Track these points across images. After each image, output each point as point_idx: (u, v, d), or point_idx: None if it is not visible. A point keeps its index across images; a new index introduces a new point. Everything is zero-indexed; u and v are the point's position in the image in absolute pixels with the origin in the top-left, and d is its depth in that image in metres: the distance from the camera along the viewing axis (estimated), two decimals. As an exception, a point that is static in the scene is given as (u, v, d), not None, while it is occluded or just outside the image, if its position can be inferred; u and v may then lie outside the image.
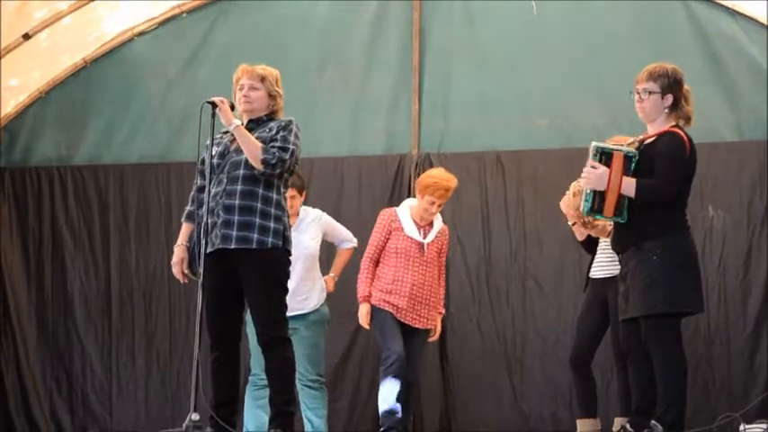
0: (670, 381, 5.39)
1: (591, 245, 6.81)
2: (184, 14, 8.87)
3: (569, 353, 6.86)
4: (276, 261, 5.54)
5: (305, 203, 7.12)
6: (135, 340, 8.68)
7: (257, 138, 5.55)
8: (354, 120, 8.61)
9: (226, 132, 5.67)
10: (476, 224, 8.28)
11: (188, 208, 5.77)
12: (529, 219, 8.20)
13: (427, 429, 7.98)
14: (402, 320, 6.92)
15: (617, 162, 5.43)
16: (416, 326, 6.98)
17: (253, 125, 5.66)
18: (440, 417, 8.11)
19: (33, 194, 8.92)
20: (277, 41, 8.58)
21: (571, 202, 6.57)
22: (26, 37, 8.67)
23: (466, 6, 8.51)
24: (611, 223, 5.78)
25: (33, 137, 9.07)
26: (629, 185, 5.42)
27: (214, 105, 5.56)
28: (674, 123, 5.56)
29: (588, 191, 5.51)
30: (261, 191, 5.52)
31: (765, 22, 7.90)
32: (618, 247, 5.68)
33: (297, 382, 6.46)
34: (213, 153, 5.59)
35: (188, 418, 5.24)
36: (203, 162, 5.64)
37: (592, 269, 6.78)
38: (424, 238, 7.01)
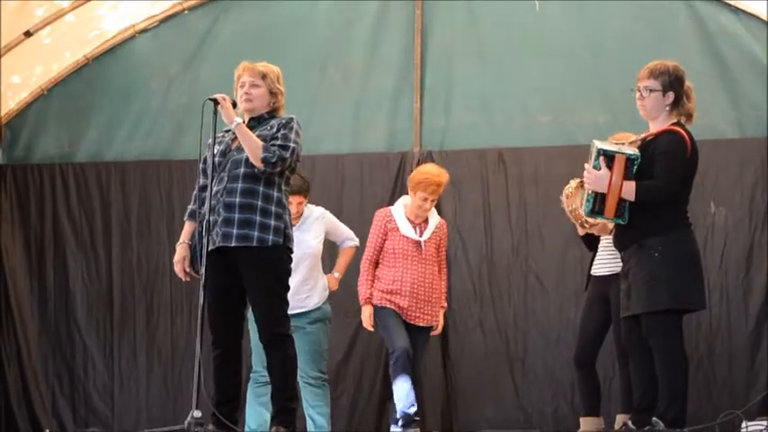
0: (672, 378, 5.39)
1: (592, 241, 6.80)
2: (186, 12, 8.87)
3: (573, 352, 6.86)
4: (277, 258, 5.54)
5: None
6: (137, 337, 8.68)
7: (258, 136, 5.54)
8: (356, 117, 8.61)
9: (228, 131, 5.67)
10: (477, 222, 8.28)
11: (190, 207, 5.77)
12: (531, 216, 8.20)
13: (429, 427, 7.98)
14: (405, 319, 6.93)
15: (618, 165, 5.42)
16: (420, 324, 6.99)
17: (254, 123, 5.66)
18: (441, 414, 8.11)
19: (35, 192, 8.92)
20: (279, 39, 8.57)
21: (566, 204, 6.57)
22: (27, 34, 8.67)
23: (468, 4, 8.50)
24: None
25: (35, 134, 9.07)
26: (630, 189, 5.41)
27: (216, 102, 5.56)
28: (675, 121, 5.56)
29: (589, 192, 5.51)
30: (262, 189, 5.52)
31: (767, 19, 7.89)
32: (619, 244, 5.68)
33: (299, 379, 6.47)
34: (215, 151, 5.59)
35: (190, 415, 5.25)
36: (206, 161, 5.64)
37: (593, 266, 6.78)
38: (421, 235, 7.01)
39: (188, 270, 5.69)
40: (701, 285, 5.59)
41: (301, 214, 6.99)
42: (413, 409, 6.77)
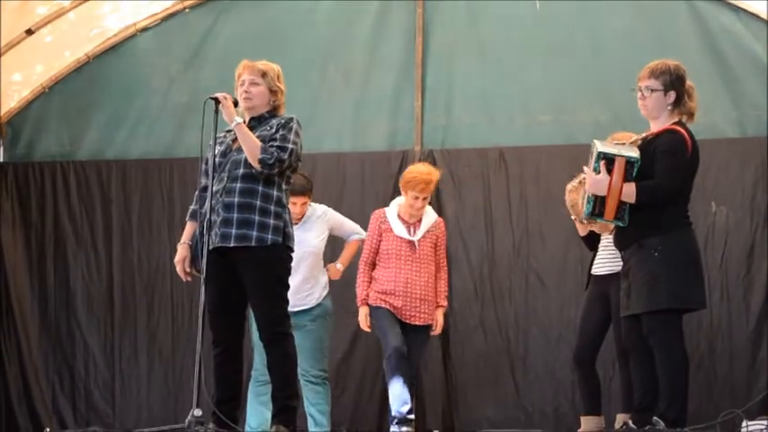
0: (672, 377, 5.39)
1: (592, 241, 6.81)
2: (187, 10, 8.87)
3: (573, 351, 6.86)
4: (277, 258, 5.53)
5: (307, 198, 7.14)
6: (137, 336, 8.68)
7: (258, 136, 5.53)
8: (357, 116, 8.61)
9: (229, 131, 5.66)
10: (478, 221, 8.28)
11: (192, 207, 5.77)
12: (531, 215, 8.20)
13: (430, 426, 7.98)
14: (401, 319, 6.95)
15: (618, 168, 5.42)
16: (416, 323, 6.99)
17: (254, 123, 5.65)
18: (442, 413, 8.11)
19: (36, 190, 8.92)
20: (280, 37, 8.57)
21: (568, 200, 6.59)
22: (29, 32, 8.67)
23: (469, 3, 8.50)
24: (614, 220, 5.78)
25: (36, 132, 9.07)
26: (630, 192, 5.40)
27: (217, 101, 5.55)
28: (676, 120, 5.56)
29: (589, 195, 5.51)
30: (261, 188, 5.51)
31: (767, 18, 7.90)
32: (620, 243, 5.68)
33: (300, 377, 6.47)
34: (216, 152, 5.59)
35: (190, 413, 5.24)
36: (207, 162, 5.64)
37: (594, 266, 6.78)
38: (413, 235, 7.02)
39: (188, 270, 5.69)
40: (701, 285, 5.59)
41: (304, 213, 6.99)
42: (406, 408, 6.79)
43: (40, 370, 8.74)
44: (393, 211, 7.10)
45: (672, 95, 5.54)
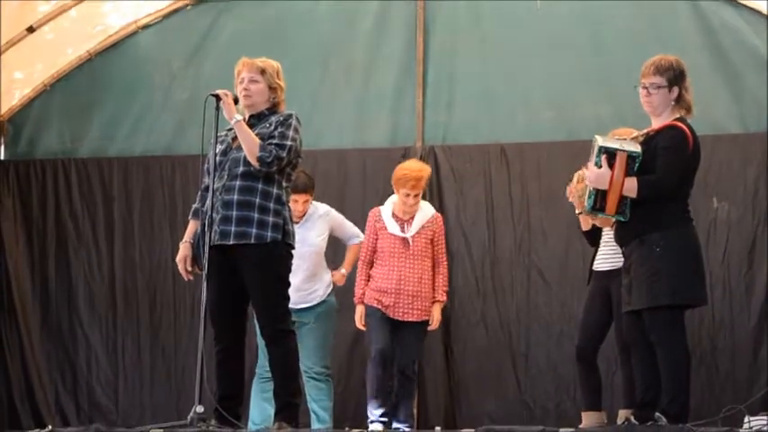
0: (674, 373, 5.39)
1: (594, 236, 6.81)
2: (189, 7, 8.87)
3: (574, 346, 6.86)
4: (276, 255, 5.53)
5: (308, 195, 7.14)
6: (140, 333, 8.68)
7: (258, 134, 5.53)
8: (359, 112, 8.62)
9: (230, 129, 5.66)
10: (480, 216, 8.29)
11: (195, 205, 5.77)
12: (533, 211, 8.20)
13: (432, 422, 7.99)
14: (393, 317, 6.97)
15: (620, 162, 5.42)
16: (410, 319, 7.02)
17: (254, 120, 5.64)
18: (444, 409, 8.11)
19: (38, 187, 8.92)
20: (281, 34, 8.57)
21: (575, 189, 6.57)
22: (30, 30, 8.67)
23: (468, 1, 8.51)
24: (616, 215, 5.78)
25: (38, 130, 9.07)
26: (631, 187, 5.41)
27: (218, 98, 5.56)
28: (677, 116, 5.56)
29: (591, 189, 5.51)
30: (260, 186, 5.51)
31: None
32: (621, 239, 5.68)
33: (303, 374, 6.48)
34: (216, 150, 5.59)
35: (193, 410, 5.26)
36: (208, 161, 5.64)
37: (595, 261, 6.78)
38: (406, 232, 7.03)
39: (190, 269, 5.69)
40: (702, 281, 5.59)
41: (306, 210, 7.00)
42: (379, 411, 6.96)
43: (42, 367, 8.75)
44: (388, 209, 7.12)
45: (675, 91, 5.54)
